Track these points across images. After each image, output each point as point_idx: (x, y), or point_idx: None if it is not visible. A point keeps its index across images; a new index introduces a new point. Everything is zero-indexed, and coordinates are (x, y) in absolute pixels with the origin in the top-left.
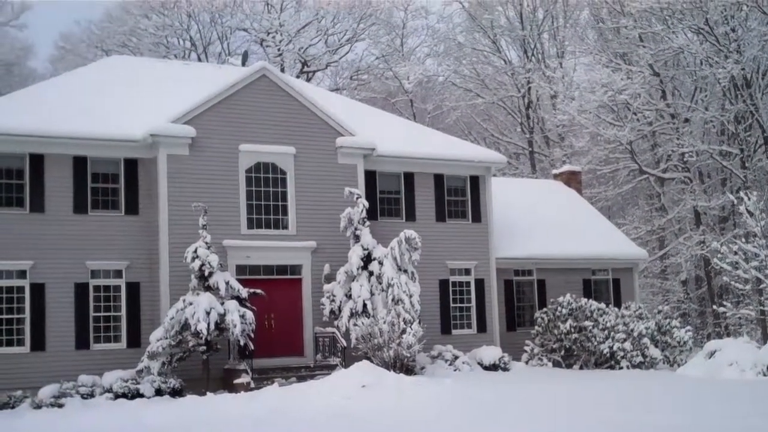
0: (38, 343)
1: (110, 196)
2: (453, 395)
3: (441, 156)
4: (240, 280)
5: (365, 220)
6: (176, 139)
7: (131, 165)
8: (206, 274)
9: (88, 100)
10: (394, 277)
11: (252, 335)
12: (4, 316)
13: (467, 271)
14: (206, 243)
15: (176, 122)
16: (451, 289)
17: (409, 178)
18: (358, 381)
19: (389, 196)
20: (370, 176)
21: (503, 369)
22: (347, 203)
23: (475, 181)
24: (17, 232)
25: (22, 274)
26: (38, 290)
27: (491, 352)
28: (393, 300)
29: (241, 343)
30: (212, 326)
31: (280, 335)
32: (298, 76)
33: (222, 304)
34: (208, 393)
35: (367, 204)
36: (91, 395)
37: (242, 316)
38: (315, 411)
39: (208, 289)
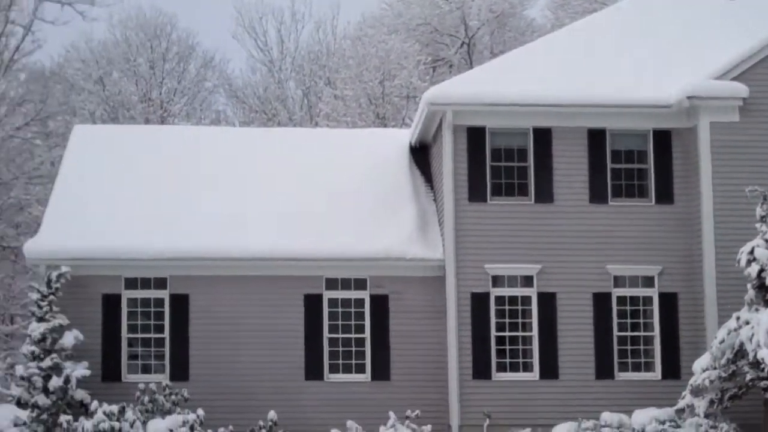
0: (549, 368)
1: (636, 179)
2: None
3: None
4: None
5: None
6: (722, 101)
7: (662, 138)
8: (767, 282)
9: (595, 55)
10: None
11: None
12: (507, 334)
13: None
14: (766, 240)
15: (720, 78)
16: None
17: None
18: None
19: None
20: None
21: None
22: None
23: None
24: (520, 229)
25: (527, 280)
26: (547, 301)
27: None
28: None
29: None
30: None
31: None
32: None
33: None
34: None
35: None
36: None
37: None
38: None
39: None
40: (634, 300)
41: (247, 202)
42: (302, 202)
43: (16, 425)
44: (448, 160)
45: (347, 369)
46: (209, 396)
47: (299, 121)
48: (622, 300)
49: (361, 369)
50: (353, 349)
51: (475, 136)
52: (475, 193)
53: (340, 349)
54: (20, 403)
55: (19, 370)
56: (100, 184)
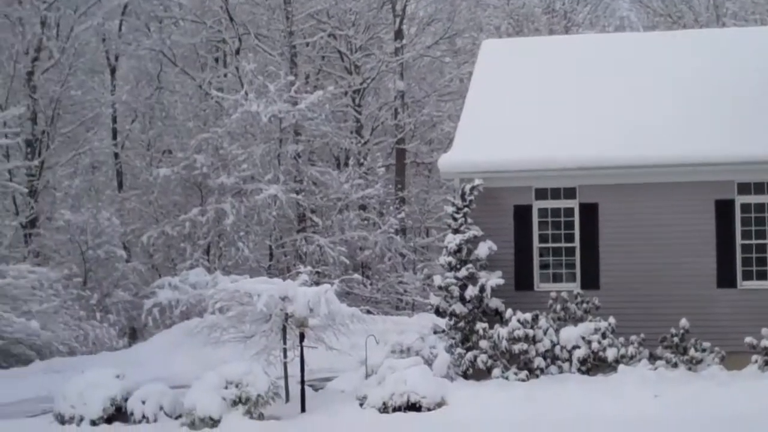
0: None
1: None
2: None
3: None
4: None
5: None
6: None
7: None
8: None
9: None
10: None
11: None
12: None
13: None
14: None
15: None
16: None
17: None
18: None
19: None
20: None
21: None
22: None
23: None
24: None
25: None
26: None
27: None
28: None
29: None
30: None
31: None
32: None
33: None
34: None
35: None
36: None
37: None
38: None
39: None
40: None
41: (655, 108)
42: (711, 106)
43: (435, 332)
44: None
45: (761, 276)
46: (619, 304)
47: (705, 23)
48: None
49: None
50: None
51: None
52: None
53: (754, 255)
54: (438, 312)
55: (437, 280)
56: (508, 97)
